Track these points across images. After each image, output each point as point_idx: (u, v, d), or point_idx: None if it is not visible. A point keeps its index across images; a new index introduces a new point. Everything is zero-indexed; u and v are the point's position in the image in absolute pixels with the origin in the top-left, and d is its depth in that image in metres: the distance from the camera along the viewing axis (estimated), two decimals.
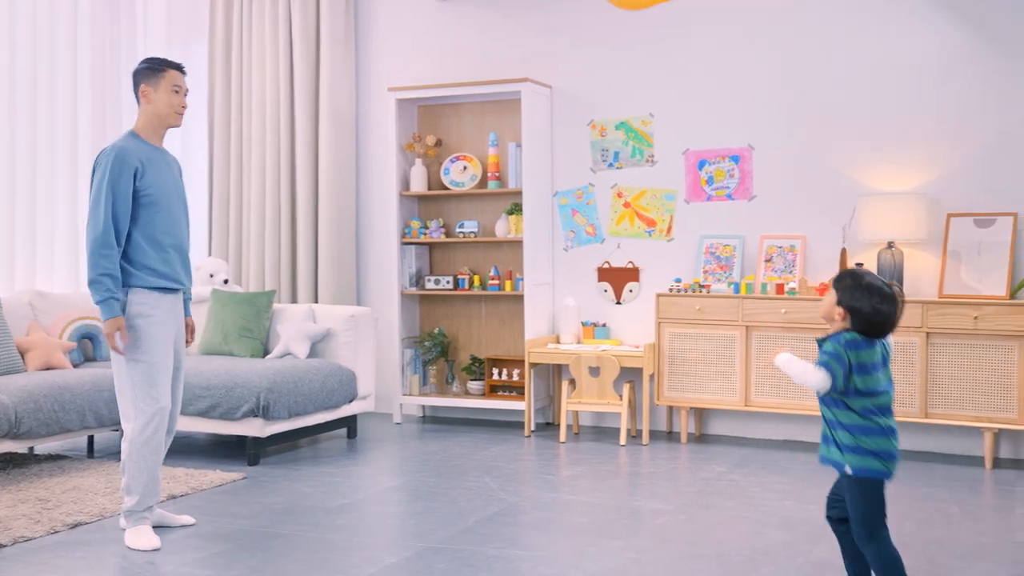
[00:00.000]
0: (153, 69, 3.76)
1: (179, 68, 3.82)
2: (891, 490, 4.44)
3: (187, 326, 3.95)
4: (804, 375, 2.92)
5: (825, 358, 2.89)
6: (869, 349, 2.89)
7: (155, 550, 3.62)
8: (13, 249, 5.93)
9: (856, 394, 2.89)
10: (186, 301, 3.93)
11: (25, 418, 4.55)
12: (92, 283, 3.60)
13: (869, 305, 2.87)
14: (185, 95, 3.81)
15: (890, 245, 5.23)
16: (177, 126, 3.84)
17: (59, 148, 6.21)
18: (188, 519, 3.96)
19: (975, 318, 4.91)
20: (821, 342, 2.97)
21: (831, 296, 2.94)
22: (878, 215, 5.21)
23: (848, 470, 2.89)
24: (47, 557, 3.55)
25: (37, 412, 4.60)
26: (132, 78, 3.81)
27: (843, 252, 5.35)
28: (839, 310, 2.91)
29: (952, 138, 5.31)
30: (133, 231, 3.66)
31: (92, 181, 3.68)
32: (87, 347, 5.55)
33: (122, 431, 3.80)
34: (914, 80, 5.37)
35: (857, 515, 2.91)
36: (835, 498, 3.04)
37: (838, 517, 3.03)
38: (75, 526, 3.92)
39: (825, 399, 2.95)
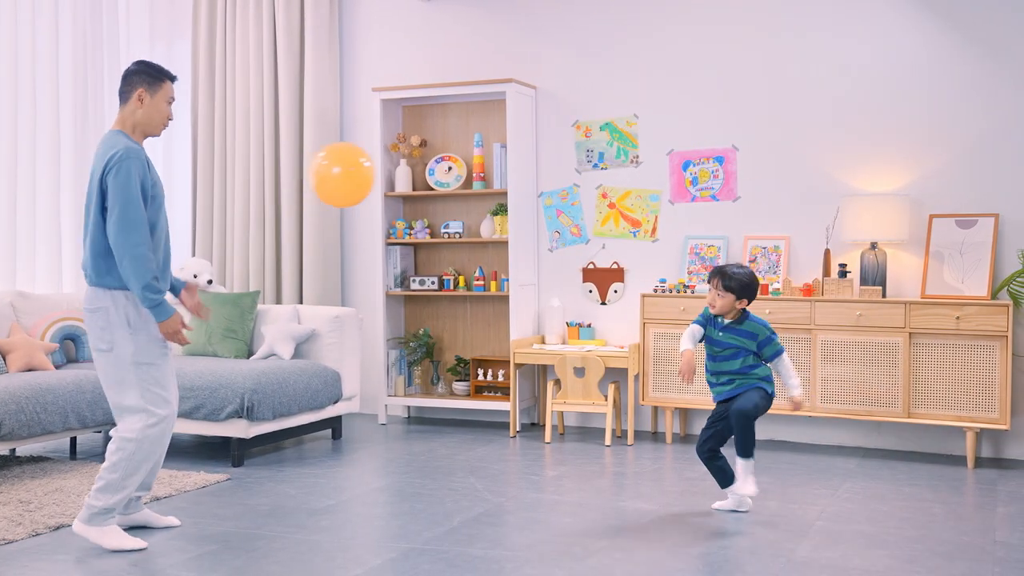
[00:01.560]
0: (154, 76, 3.74)
1: (175, 79, 3.82)
2: (874, 488, 4.48)
3: (197, 302, 3.86)
4: (794, 371, 4.18)
5: (776, 342, 4.11)
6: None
7: (142, 550, 3.61)
8: None
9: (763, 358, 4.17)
10: (176, 281, 3.89)
11: (7, 420, 4.52)
12: (147, 288, 3.54)
13: (756, 291, 4.09)
14: (173, 105, 3.82)
15: (873, 246, 5.26)
16: (158, 136, 3.83)
17: (40, 148, 6.17)
18: (173, 520, 3.94)
19: (957, 318, 4.94)
20: (730, 324, 4.06)
21: (728, 297, 4.03)
22: (861, 216, 5.24)
23: (770, 390, 4.13)
24: (28, 560, 3.53)
25: (19, 413, 4.57)
26: (127, 77, 3.73)
27: (827, 253, 5.38)
28: (740, 301, 4.04)
29: (934, 139, 5.34)
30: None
31: (113, 185, 3.55)
32: (69, 348, 5.52)
33: (107, 431, 3.75)
34: (897, 81, 5.40)
35: (754, 408, 4.04)
36: (712, 436, 4.17)
37: (712, 450, 4.16)
38: (57, 528, 3.89)
39: (741, 364, 4.10)
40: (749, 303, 4.08)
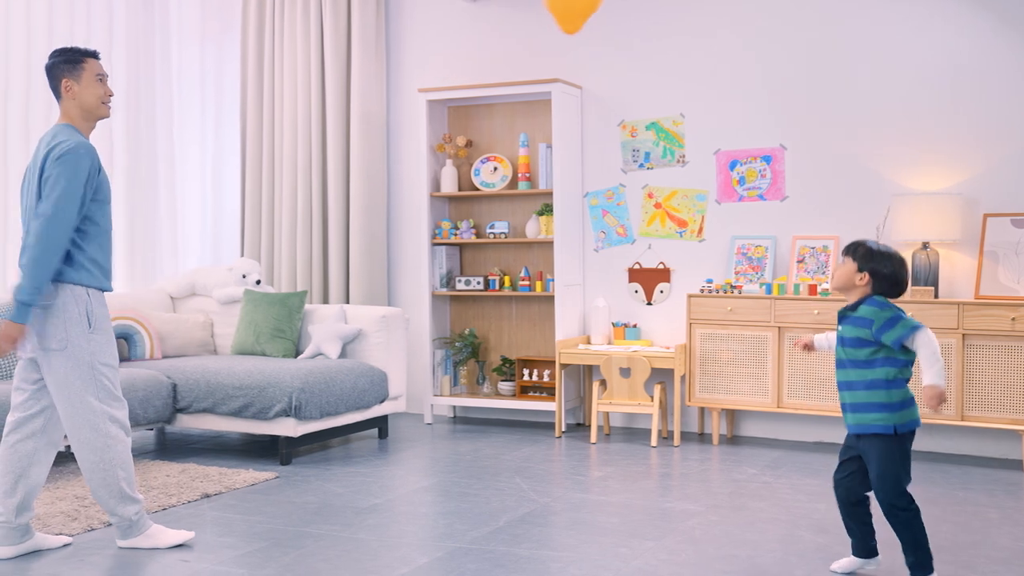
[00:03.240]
0: (71, 61, 3.53)
1: (96, 55, 3.59)
2: (928, 493, 4.39)
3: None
4: (937, 356, 3.07)
5: (906, 321, 3.08)
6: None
7: (191, 540, 3.67)
8: None
9: (898, 349, 3.11)
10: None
11: None
12: (41, 284, 3.35)
13: (890, 266, 3.13)
14: (107, 81, 3.60)
15: (925, 246, 5.17)
16: (107, 117, 3.62)
17: (95, 145, 6.28)
18: (65, 539, 3.71)
19: (1012, 319, 4.84)
20: (846, 313, 3.21)
21: (848, 265, 3.17)
22: (912, 215, 5.16)
23: (895, 430, 3.10)
24: (84, 554, 3.60)
25: None
26: (47, 72, 3.56)
27: None
28: (861, 276, 3.14)
29: (987, 137, 5.24)
30: (91, 231, 3.49)
31: (59, 172, 3.38)
32: (122, 347, 5.61)
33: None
34: (948, 78, 5.31)
35: (892, 473, 3.10)
36: (847, 478, 3.25)
37: (856, 499, 3.25)
38: (111, 524, 3.96)
39: (858, 361, 3.14)
40: (879, 284, 3.13)
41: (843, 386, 3.20)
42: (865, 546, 3.30)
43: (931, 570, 3.14)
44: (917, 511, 3.13)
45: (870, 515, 3.28)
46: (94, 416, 3.51)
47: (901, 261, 3.17)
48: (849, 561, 3.34)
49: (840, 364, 3.21)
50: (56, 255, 3.39)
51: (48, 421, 3.61)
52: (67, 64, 3.55)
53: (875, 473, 3.14)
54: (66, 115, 3.58)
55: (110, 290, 3.62)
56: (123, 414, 3.59)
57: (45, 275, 3.38)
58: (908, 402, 3.14)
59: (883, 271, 3.14)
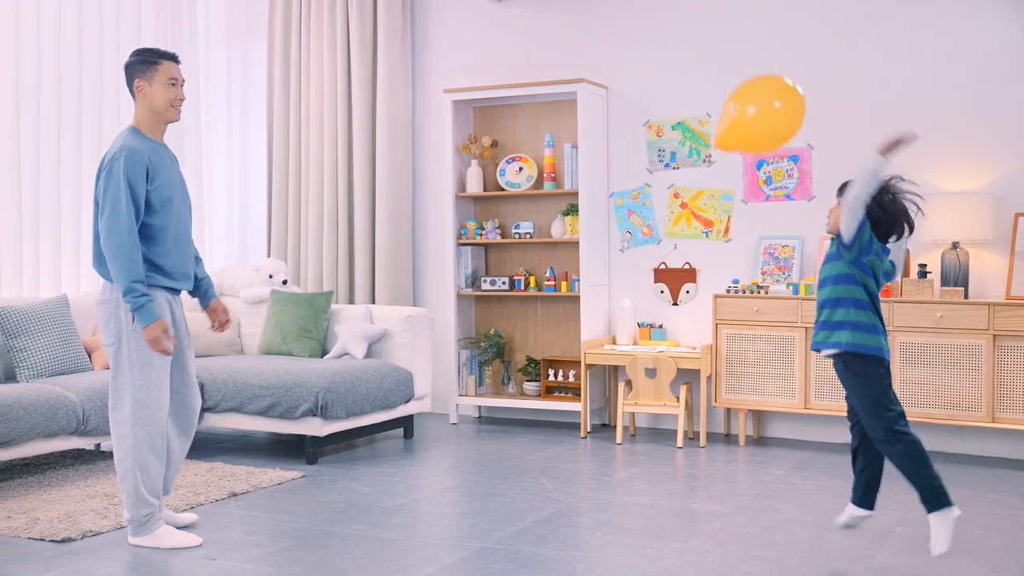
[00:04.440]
0: (146, 62, 3.56)
1: (174, 58, 3.62)
2: (958, 495, 4.35)
3: (219, 308, 3.87)
4: (864, 181, 3.15)
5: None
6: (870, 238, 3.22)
7: (199, 546, 3.66)
8: (79, 250, 6.07)
9: (860, 268, 3.23)
10: (206, 282, 3.86)
11: (92, 415, 4.67)
12: (128, 291, 3.46)
13: (876, 203, 3.20)
14: (182, 86, 3.62)
15: (955, 246, 5.12)
16: (175, 120, 3.63)
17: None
18: (191, 516, 3.91)
19: None
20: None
21: (837, 207, 3.28)
22: (942, 215, 5.11)
23: (851, 348, 3.19)
24: (113, 551, 3.63)
25: (103, 409, 4.70)
26: (124, 72, 3.62)
27: (906, 253, 5.25)
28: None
29: (1019, 135, 5.18)
30: (145, 232, 3.56)
31: (104, 184, 3.50)
32: None
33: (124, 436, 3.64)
34: (977, 77, 5.25)
35: (869, 397, 3.19)
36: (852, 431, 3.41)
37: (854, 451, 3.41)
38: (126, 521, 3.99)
39: (839, 277, 3.24)
40: (871, 222, 3.17)
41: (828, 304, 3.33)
42: (861, 496, 3.44)
43: (939, 504, 3.19)
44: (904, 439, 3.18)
45: (866, 464, 3.40)
46: (128, 414, 3.58)
47: (893, 199, 3.25)
48: (847, 508, 3.50)
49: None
50: (125, 260, 3.47)
51: (176, 407, 3.75)
52: (142, 64, 3.58)
53: (853, 400, 3.29)
54: (136, 117, 3.64)
55: (173, 288, 3.65)
56: (158, 417, 3.61)
57: (127, 280, 3.47)
58: (861, 326, 3.20)
59: (882, 221, 3.22)
